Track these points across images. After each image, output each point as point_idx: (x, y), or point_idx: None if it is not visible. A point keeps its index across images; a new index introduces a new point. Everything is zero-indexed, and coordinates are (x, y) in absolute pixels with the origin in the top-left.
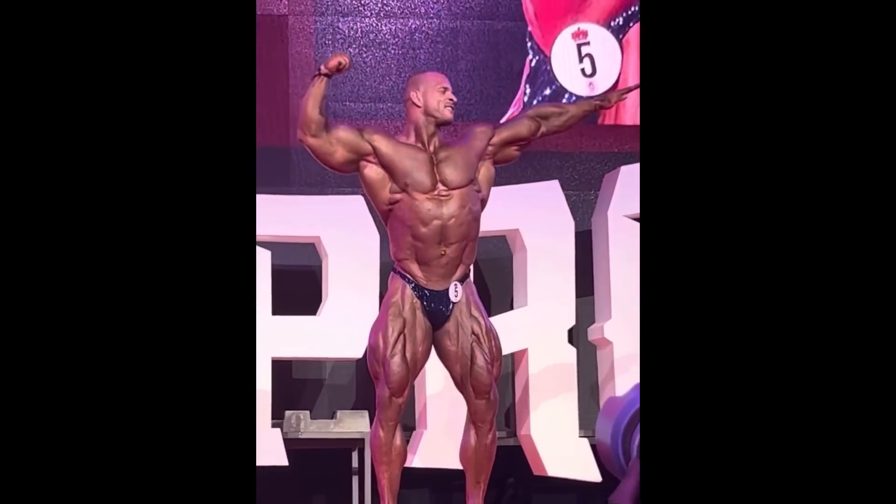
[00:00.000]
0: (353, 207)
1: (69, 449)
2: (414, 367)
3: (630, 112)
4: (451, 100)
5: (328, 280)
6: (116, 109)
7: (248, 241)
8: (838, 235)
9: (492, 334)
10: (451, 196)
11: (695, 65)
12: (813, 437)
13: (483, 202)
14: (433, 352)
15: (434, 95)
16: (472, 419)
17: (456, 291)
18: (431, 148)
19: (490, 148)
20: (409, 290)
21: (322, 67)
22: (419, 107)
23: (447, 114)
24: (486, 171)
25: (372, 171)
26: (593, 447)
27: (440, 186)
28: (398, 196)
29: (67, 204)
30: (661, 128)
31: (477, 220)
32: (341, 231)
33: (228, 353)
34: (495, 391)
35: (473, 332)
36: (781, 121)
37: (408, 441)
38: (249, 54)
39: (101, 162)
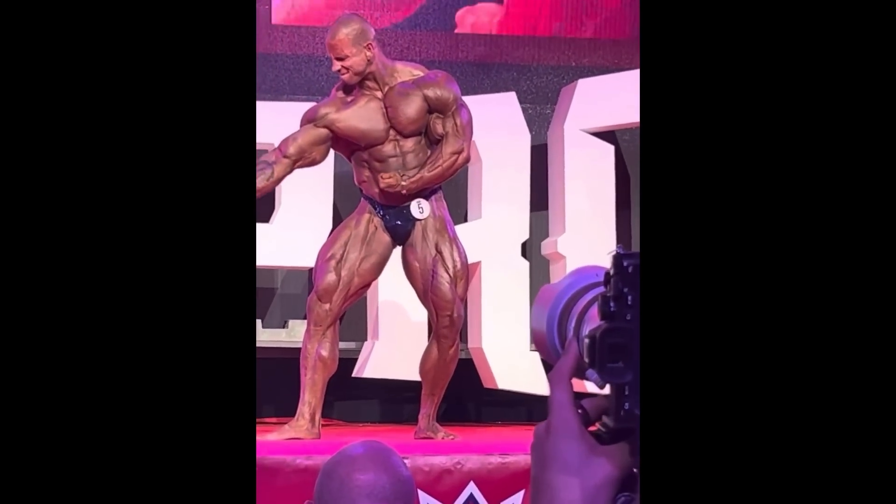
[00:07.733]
0: None
1: (43, 412)
2: (349, 279)
3: (591, 27)
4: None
5: (282, 187)
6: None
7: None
8: (843, 225)
9: (457, 251)
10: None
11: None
12: (825, 433)
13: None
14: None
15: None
16: (436, 333)
17: (420, 207)
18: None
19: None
20: (368, 207)
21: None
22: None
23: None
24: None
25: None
26: (543, 362)
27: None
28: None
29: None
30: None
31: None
32: None
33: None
34: (459, 308)
35: (437, 248)
36: (789, 90)
37: (359, 351)
38: None
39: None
